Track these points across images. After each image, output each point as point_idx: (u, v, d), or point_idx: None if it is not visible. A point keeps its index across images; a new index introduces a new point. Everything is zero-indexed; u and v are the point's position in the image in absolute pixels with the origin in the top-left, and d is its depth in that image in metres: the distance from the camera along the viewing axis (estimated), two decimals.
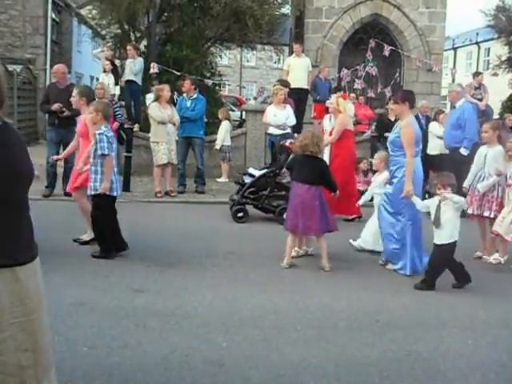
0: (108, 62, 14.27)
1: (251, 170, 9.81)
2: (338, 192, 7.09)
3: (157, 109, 10.84)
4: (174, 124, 10.93)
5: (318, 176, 6.82)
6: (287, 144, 9.26)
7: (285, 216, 7.41)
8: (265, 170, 9.61)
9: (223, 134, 13.25)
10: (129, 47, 13.79)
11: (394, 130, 7.04)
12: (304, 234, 7.04)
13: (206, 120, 12.31)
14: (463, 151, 9.91)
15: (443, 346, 4.69)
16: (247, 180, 9.54)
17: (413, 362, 4.37)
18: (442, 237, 6.06)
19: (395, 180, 6.76)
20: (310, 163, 6.84)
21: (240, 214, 9.29)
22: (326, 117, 11.28)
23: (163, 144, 10.76)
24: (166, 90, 11.00)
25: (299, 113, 12.87)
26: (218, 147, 13.13)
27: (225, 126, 13.35)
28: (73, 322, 4.79)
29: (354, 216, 9.47)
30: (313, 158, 6.85)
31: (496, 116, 17.11)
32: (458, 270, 6.20)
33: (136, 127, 13.10)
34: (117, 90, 14.25)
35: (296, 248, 7.21)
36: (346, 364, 4.29)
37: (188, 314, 5.12)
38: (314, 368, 4.19)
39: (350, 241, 7.74)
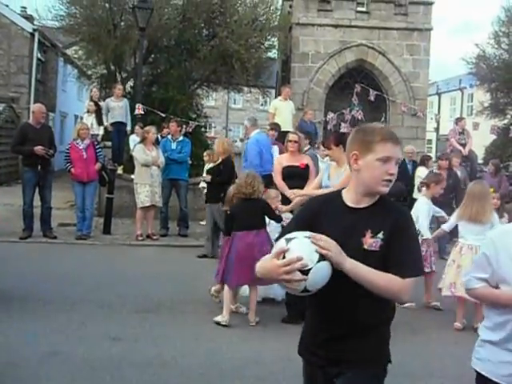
0: (92, 103, 14.27)
1: None
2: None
3: (142, 151, 10.73)
4: (158, 166, 10.82)
5: (261, 217, 6.41)
6: None
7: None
8: None
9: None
10: (119, 87, 13.87)
11: (335, 175, 6.47)
12: (259, 283, 6.12)
13: (190, 162, 12.21)
14: None
15: None
16: None
17: None
18: None
19: None
20: (250, 206, 6.38)
21: None
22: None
23: (146, 186, 10.62)
24: (151, 132, 10.93)
25: None
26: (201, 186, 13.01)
27: None
28: (44, 373, 4.56)
29: None
30: (251, 200, 6.38)
31: (480, 161, 17.21)
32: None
33: (120, 169, 12.97)
34: (100, 131, 14.18)
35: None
36: None
37: (167, 364, 4.92)
38: None
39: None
